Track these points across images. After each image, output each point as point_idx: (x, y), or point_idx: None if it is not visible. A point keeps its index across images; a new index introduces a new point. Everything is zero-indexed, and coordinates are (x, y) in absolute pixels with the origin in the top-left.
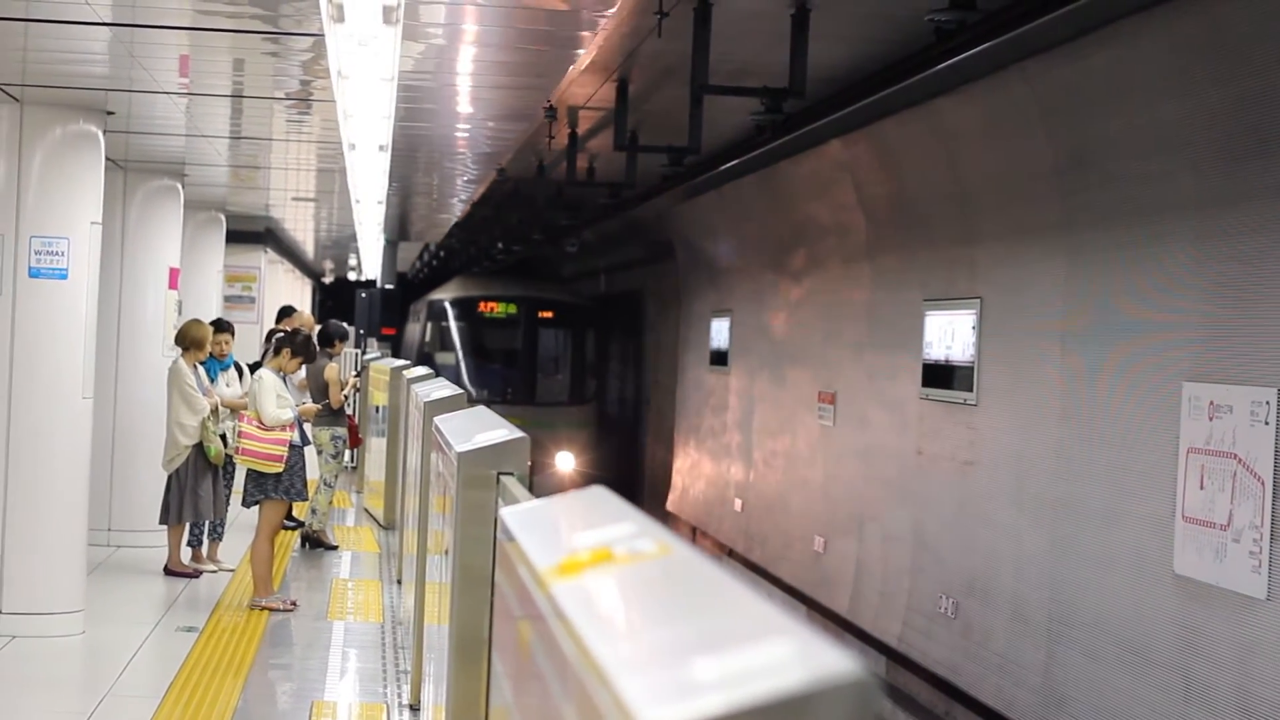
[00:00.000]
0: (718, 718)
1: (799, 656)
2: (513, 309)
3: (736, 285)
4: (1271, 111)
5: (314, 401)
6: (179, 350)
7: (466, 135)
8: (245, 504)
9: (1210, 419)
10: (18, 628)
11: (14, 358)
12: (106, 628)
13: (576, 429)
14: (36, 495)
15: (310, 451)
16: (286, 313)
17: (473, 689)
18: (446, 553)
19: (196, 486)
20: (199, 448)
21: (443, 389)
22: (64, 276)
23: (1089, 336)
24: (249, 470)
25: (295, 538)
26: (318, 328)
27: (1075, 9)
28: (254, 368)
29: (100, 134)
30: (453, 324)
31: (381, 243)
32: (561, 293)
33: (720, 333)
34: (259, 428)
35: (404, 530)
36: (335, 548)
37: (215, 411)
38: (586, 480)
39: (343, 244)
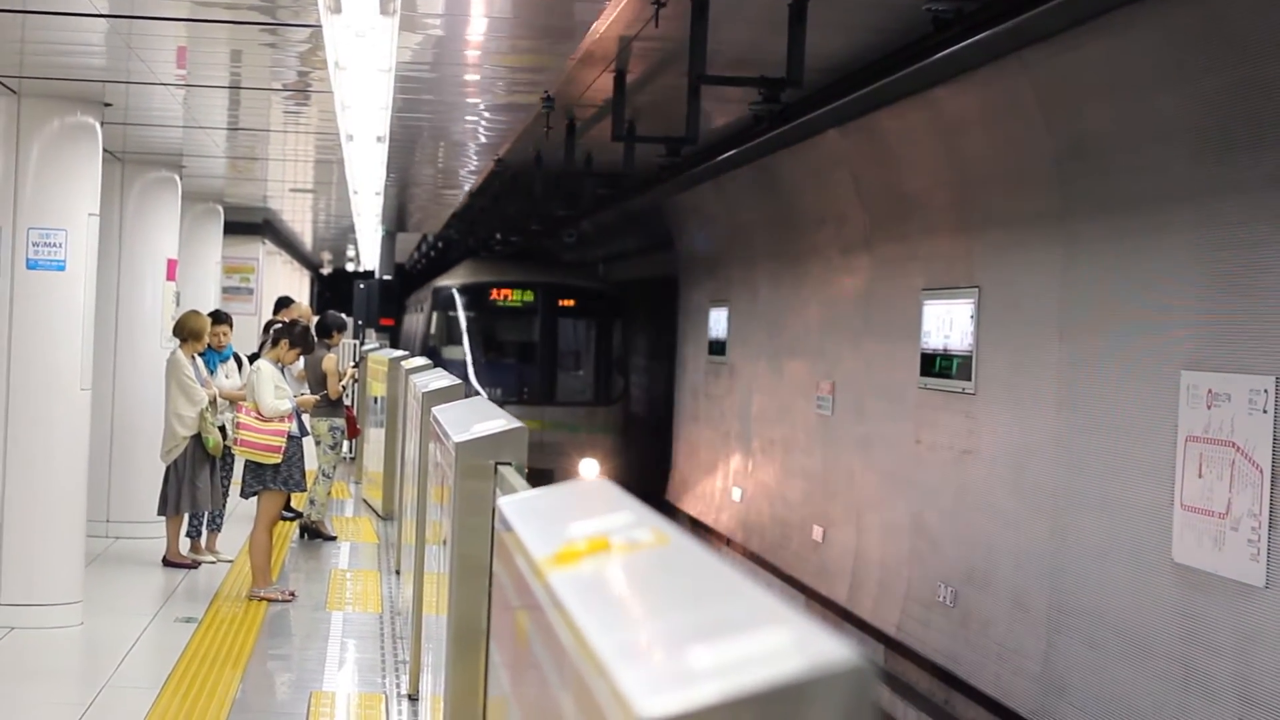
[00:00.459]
0: (715, 706)
1: (797, 645)
2: (529, 296)
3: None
4: (1268, 100)
5: (312, 392)
6: (177, 342)
7: (464, 126)
8: (244, 495)
9: (1209, 407)
10: (16, 619)
11: (12, 349)
12: (105, 619)
13: (602, 433)
14: (35, 486)
15: (308, 442)
16: (284, 304)
17: (471, 679)
18: (444, 543)
19: (195, 478)
20: (197, 439)
21: (441, 379)
22: (62, 268)
23: (1087, 325)
24: (247, 461)
25: (294, 528)
26: (315, 319)
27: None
28: (252, 359)
29: (98, 126)
30: (461, 313)
31: (380, 234)
32: (584, 278)
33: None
34: (257, 419)
35: (402, 521)
36: (333, 538)
37: (213, 403)
38: None
39: (341, 235)
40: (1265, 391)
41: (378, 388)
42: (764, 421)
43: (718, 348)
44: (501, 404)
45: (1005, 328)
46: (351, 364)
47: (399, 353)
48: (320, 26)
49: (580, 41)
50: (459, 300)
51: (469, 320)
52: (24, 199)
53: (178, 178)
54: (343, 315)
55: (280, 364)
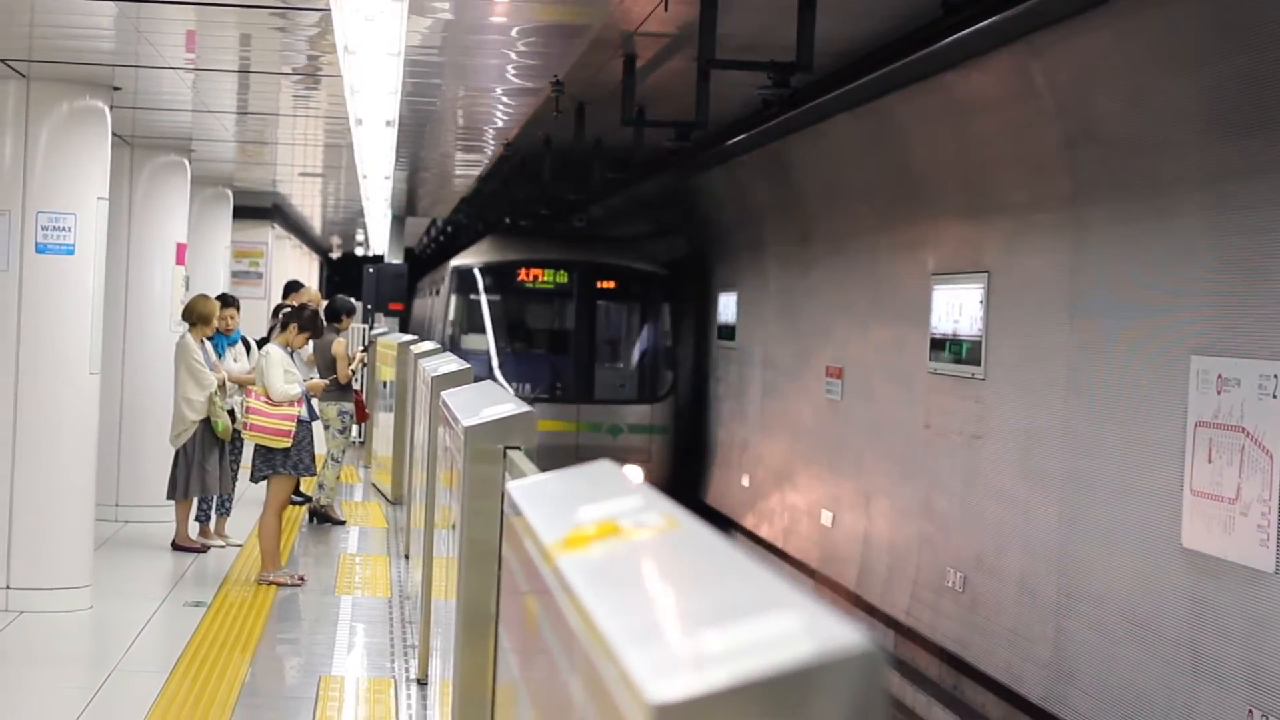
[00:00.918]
0: (725, 691)
1: (806, 629)
2: (564, 277)
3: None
4: (1279, 85)
5: (322, 377)
6: (186, 326)
7: (473, 110)
8: (253, 479)
9: (1218, 393)
10: (25, 603)
11: (21, 333)
12: (114, 603)
13: (649, 434)
14: (44, 471)
15: (318, 426)
16: (293, 288)
17: (480, 663)
18: (453, 527)
19: (204, 462)
20: (206, 423)
21: (450, 363)
22: (71, 252)
23: (1097, 310)
24: (257, 446)
25: (303, 513)
26: (325, 303)
27: None
28: (261, 343)
29: (107, 110)
30: (484, 297)
31: (389, 218)
32: (626, 254)
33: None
34: (266, 403)
35: (411, 505)
36: (343, 523)
37: (222, 386)
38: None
39: (350, 219)
40: (1275, 377)
41: (387, 372)
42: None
43: (726, 332)
44: (531, 402)
45: (1015, 312)
46: (360, 348)
47: (408, 336)
48: (329, 10)
49: (590, 25)
50: (481, 282)
51: (493, 305)
52: (33, 183)
53: (187, 162)
54: (352, 300)
55: (289, 348)
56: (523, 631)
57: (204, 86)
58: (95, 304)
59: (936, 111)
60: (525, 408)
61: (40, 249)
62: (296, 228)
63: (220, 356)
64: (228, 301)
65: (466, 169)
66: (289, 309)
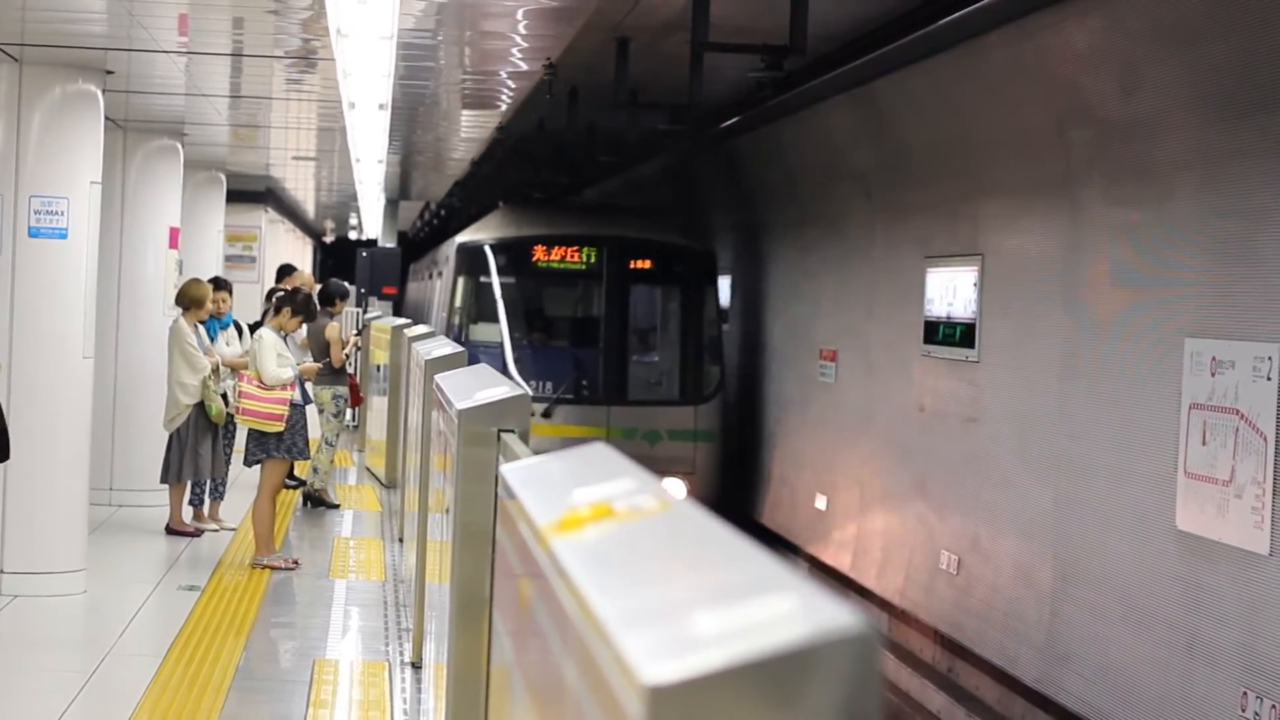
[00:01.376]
0: (720, 672)
1: (801, 611)
2: (592, 255)
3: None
4: (1274, 67)
5: (316, 361)
6: (180, 310)
7: (467, 93)
8: (247, 463)
9: (1213, 374)
10: (19, 587)
11: (14, 318)
12: (108, 587)
13: (692, 441)
14: (37, 455)
15: (312, 410)
16: (286, 272)
17: (474, 646)
18: (447, 511)
19: (197, 445)
20: (200, 407)
21: (443, 345)
22: (64, 236)
23: (1091, 292)
24: (250, 429)
25: (297, 496)
26: (318, 287)
27: None
28: (254, 327)
29: (100, 93)
30: (496, 280)
31: (382, 202)
32: (664, 229)
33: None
34: (259, 387)
35: (405, 488)
36: (337, 506)
37: (216, 371)
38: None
39: (343, 203)
40: (1269, 359)
41: (380, 355)
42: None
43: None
44: (553, 404)
45: (1009, 295)
46: (354, 332)
47: (401, 320)
48: None
49: (583, 7)
50: (493, 261)
51: (507, 289)
52: (26, 167)
53: (180, 145)
54: (345, 283)
55: (282, 332)
56: (517, 614)
57: (197, 70)
58: (88, 288)
59: (929, 93)
60: (519, 389)
61: (33, 233)
62: (290, 212)
63: (212, 339)
64: (219, 284)
65: (460, 152)
66: (282, 293)
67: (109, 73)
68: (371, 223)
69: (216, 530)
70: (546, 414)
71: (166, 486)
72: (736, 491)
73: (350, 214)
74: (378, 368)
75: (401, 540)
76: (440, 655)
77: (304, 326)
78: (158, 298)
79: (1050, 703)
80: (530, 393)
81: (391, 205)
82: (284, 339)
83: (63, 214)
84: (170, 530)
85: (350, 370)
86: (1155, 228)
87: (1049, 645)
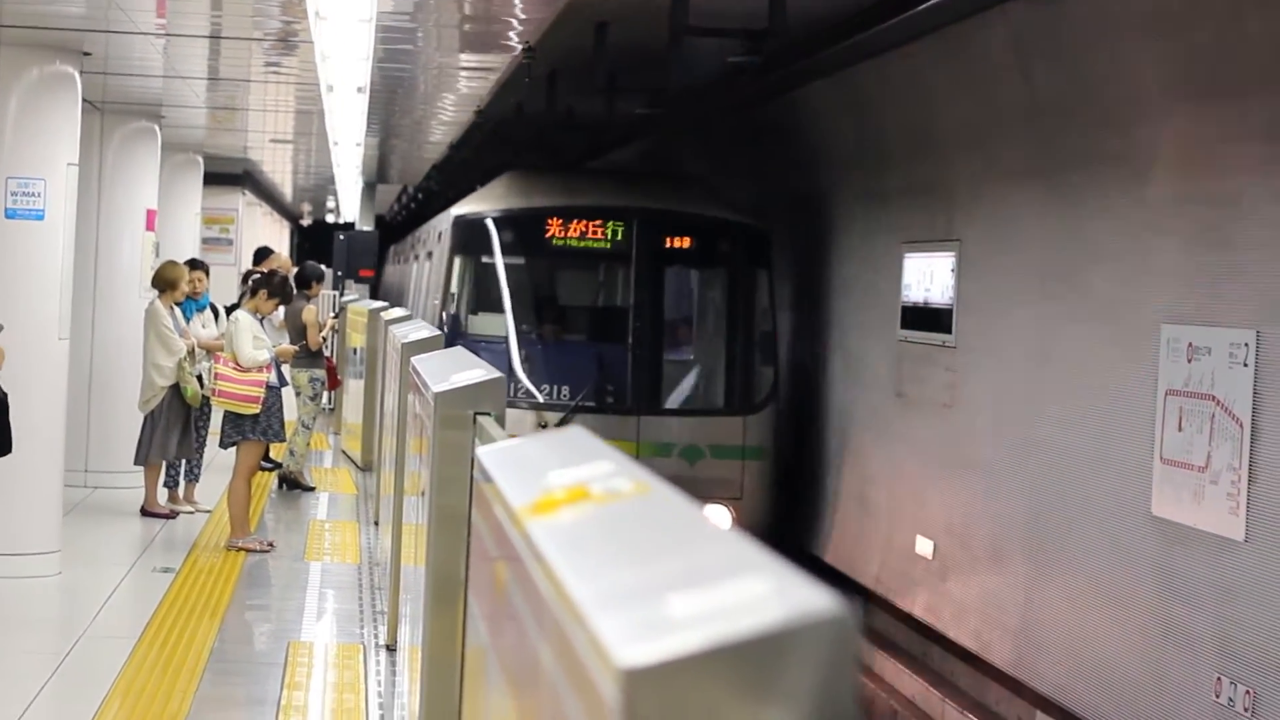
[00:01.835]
0: (696, 655)
1: (777, 594)
2: (619, 231)
3: None
4: (1251, 53)
5: (292, 343)
6: (155, 292)
7: (445, 77)
8: (223, 445)
9: (1189, 361)
10: None
11: None
12: (83, 568)
13: (740, 459)
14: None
15: (288, 393)
16: (264, 254)
17: (449, 629)
18: (423, 494)
19: (170, 427)
20: (175, 388)
21: (420, 329)
22: (41, 218)
23: (1068, 278)
24: (226, 411)
25: (272, 479)
26: (295, 269)
27: None
28: (230, 310)
29: (77, 75)
30: (500, 261)
31: (360, 185)
32: (706, 200)
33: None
34: (235, 369)
35: (381, 472)
36: (312, 489)
37: (192, 353)
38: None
39: (321, 186)
40: (1245, 345)
41: (357, 338)
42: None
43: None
44: (571, 413)
45: (986, 281)
46: (332, 315)
47: (378, 303)
48: None
49: None
50: (497, 238)
51: (514, 272)
52: (2, 148)
53: (157, 128)
54: (321, 266)
55: (258, 314)
56: (492, 597)
57: (175, 52)
58: (65, 269)
59: (906, 79)
60: (495, 373)
61: (10, 214)
62: (267, 194)
63: (188, 321)
64: (195, 266)
65: (438, 136)
66: (259, 275)
67: (86, 54)
68: (349, 206)
69: (192, 512)
70: (562, 425)
71: (142, 468)
72: (789, 520)
73: (328, 197)
74: (354, 351)
75: (377, 523)
76: (415, 638)
77: (281, 309)
78: (134, 280)
79: None
80: (541, 398)
81: (369, 189)
82: (261, 321)
83: (40, 195)
84: (145, 512)
85: (327, 353)
86: (1132, 213)
87: (1023, 630)
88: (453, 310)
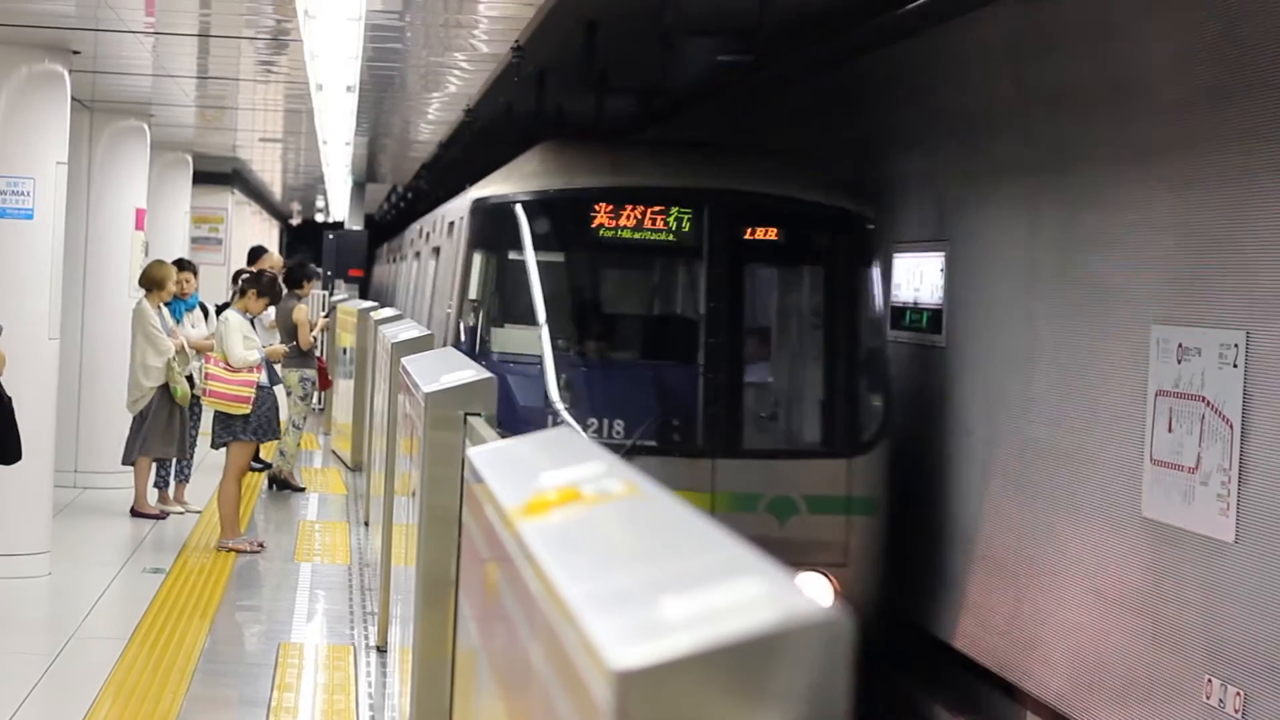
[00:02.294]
0: (688, 657)
1: (769, 597)
2: (687, 220)
3: None
4: (1244, 55)
5: (283, 343)
6: (143, 292)
7: (434, 76)
8: (213, 445)
9: (1179, 361)
10: None
11: None
12: (73, 569)
13: (845, 515)
14: None
15: (280, 392)
16: (258, 254)
17: (440, 630)
18: (414, 494)
19: (159, 426)
20: (165, 388)
21: (409, 329)
22: (30, 216)
23: (1058, 279)
24: (216, 412)
25: (262, 479)
26: (284, 269)
27: None
28: (220, 309)
29: (66, 74)
30: (531, 259)
31: (349, 184)
32: (798, 181)
33: None
34: (225, 369)
35: (371, 472)
36: (302, 489)
37: (181, 352)
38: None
39: (310, 186)
40: (1236, 346)
41: (347, 338)
42: None
43: None
44: (628, 454)
45: (976, 281)
46: (323, 314)
47: (367, 303)
48: None
49: None
50: (529, 228)
51: (549, 273)
52: None
53: (147, 127)
54: (312, 265)
55: (248, 314)
56: (483, 598)
57: (164, 51)
58: (54, 269)
59: (896, 77)
60: (485, 373)
61: None
62: (257, 194)
63: (178, 322)
64: (184, 265)
65: (427, 135)
66: (249, 275)
67: (75, 53)
68: (338, 205)
69: (182, 513)
70: None
71: (131, 468)
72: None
73: (317, 196)
74: (344, 350)
75: (367, 524)
76: (406, 639)
77: (272, 309)
78: (124, 279)
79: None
80: (584, 434)
81: (359, 188)
82: (251, 321)
83: (29, 194)
84: (135, 513)
85: (318, 353)
86: (1123, 214)
87: (1013, 631)
88: (472, 322)
